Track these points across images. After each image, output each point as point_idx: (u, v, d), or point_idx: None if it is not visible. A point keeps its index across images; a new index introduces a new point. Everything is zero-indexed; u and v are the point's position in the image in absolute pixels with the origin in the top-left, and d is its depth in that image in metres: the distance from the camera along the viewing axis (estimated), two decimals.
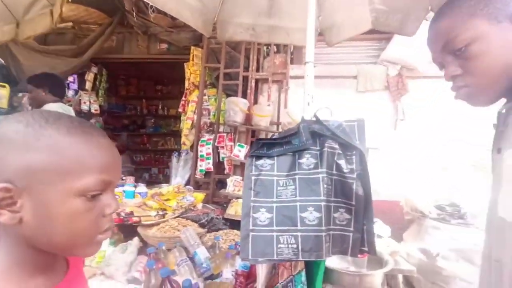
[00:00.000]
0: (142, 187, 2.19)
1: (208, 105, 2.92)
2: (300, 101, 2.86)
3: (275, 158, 0.93)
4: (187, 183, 2.65)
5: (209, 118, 2.89)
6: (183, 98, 3.07)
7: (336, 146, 0.90)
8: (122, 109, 5.16)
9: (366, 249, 0.85)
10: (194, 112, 2.89)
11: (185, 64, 3.21)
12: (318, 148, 0.91)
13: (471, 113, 2.56)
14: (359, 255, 0.87)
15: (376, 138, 2.54)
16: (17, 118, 0.42)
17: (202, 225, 1.81)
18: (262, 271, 0.87)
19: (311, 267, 0.89)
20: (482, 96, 0.56)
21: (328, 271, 1.25)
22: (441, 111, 2.67)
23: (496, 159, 0.57)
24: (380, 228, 2.03)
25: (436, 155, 2.63)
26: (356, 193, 0.85)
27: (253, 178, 0.90)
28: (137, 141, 5.27)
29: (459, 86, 0.58)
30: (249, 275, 1.16)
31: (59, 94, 2.19)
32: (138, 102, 5.39)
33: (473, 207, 2.05)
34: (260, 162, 0.93)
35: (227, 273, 1.16)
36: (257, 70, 2.81)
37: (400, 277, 2.20)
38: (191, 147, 2.92)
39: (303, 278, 0.89)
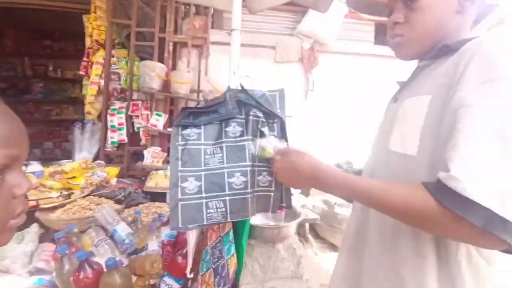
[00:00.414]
0: (35, 165, 1.84)
1: (117, 69, 2.55)
2: (221, 68, 2.83)
3: (202, 127, 0.92)
4: (96, 158, 2.35)
5: (119, 84, 2.55)
6: (85, 59, 2.59)
7: (260, 114, 0.95)
8: None
9: (284, 205, 0.96)
10: (100, 76, 2.50)
11: (84, 16, 2.67)
12: (243, 116, 0.94)
13: (378, 89, 3.03)
14: (278, 211, 0.99)
15: (290, 107, 2.77)
16: None
17: (118, 201, 1.67)
18: (192, 237, 0.89)
19: (237, 227, 0.96)
20: (409, 48, 0.63)
21: (252, 228, 1.37)
22: (350, 86, 3.06)
23: (391, 107, 0.68)
24: None
25: (344, 127, 3.04)
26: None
27: (179, 148, 0.88)
28: (20, 109, 4.25)
29: (396, 34, 0.63)
30: (176, 244, 1.17)
31: None
32: (18, 60, 4.29)
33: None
34: (187, 131, 0.91)
35: (153, 245, 1.13)
36: (175, 32, 2.58)
37: (307, 225, 2.59)
38: (98, 116, 2.55)
39: (231, 238, 0.95)
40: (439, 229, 0.49)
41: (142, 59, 2.54)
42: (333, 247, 2.51)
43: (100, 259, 1.00)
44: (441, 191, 0.45)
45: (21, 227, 1.40)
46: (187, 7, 2.62)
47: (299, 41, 2.87)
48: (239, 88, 1.04)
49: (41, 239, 1.34)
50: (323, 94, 3.02)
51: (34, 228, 1.36)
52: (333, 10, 1.86)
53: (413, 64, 0.69)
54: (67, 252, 0.90)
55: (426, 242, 0.55)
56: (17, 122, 0.39)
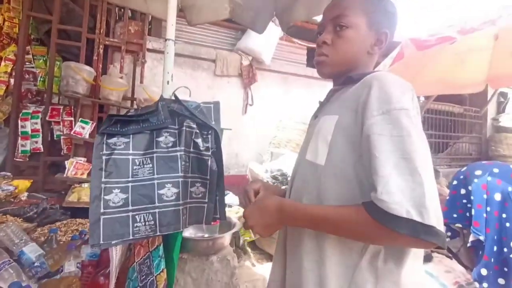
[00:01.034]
0: None
1: (33, 67, 2.25)
2: (158, 77, 2.75)
3: (131, 136, 0.89)
4: (1, 169, 2.00)
5: (35, 85, 2.25)
6: None
7: (194, 125, 0.96)
8: None
9: (218, 216, 0.98)
10: (10, 75, 2.16)
11: None
12: (176, 127, 0.94)
13: (308, 106, 3.29)
14: (212, 223, 1.00)
15: (229, 119, 2.83)
16: None
17: (29, 219, 1.46)
18: (115, 254, 0.84)
19: (168, 240, 0.94)
20: (329, 68, 0.73)
21: (184, 241, 1.33)
22: (285, 102, 3.28)
23: (312, 123, 0.79)
24: (231, 198, 2.32)
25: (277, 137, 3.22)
26: (210, 169, 0.95)
27: (104, 157, 0.83)
28: None
29: (321, 53, 0.73)
30: (99, 263, 1.07)
31: None
32: None
33: None
34: (113, 140, 0.86)
35: (70, 266, 1.02)
36: (107, 34, 2.42)
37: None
38: (6, 120, 2.19)
39: (161, 252, 0.92)
40: (382, 242, 0.58)
41: (65, 59, 2.30)
42: (270, 257, 2.59)
43: (4, 285, 0.86)
44: (376, 211, 0.52)
45: None
46: (122, 10, 2.49)
47: (239, 57, 2.98)
48: (173, 98, 1.04)
49: None
50: (261, 108, 3.17)
51: None
52: (269, 32, 2.01)
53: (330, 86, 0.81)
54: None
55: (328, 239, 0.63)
56: None
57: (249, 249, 2.66)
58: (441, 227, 0.51)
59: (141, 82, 2.49)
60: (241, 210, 2.76)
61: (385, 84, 0.59)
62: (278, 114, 3.16)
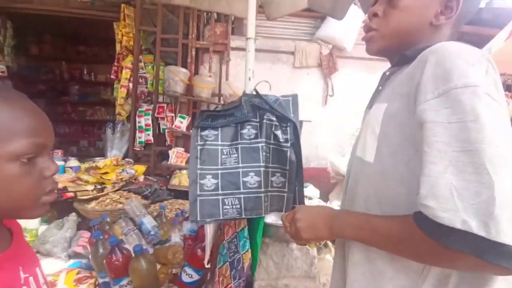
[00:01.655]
0: (73, 161, 2.04)
1: (144, 73, 2.73)
2: (241, 73, 2.91)
3: (219, 129, 1.01)
4: (125, 156, 2.54)
5: (146, 87, 2.73)
6: (115, 64, 2.80)
7: (274, 118, 1.02)
8: (35, 72, 4.41)
9: (297, 205, 1.02)
10: (129, 80, 2.69)
11: (114, 24, 2.88)
12: (258, 120, 1.02)
13: None
14: None
15: (309, 111, 2.80)
16: None
17: (145, 197, 1.82)
18: (209, 231, 0.98)
19: (252, 224, 1.03)
20: (377, 44, 0.62)
21: (266, 227, 1.43)
22: (367, 89, 3.04)
23: (366, 113, 0.69)
24: (311, 191, 2.33)
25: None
26: (290, 160, 0.99)
27: (199, 147, 0.97)
28: (58, 110, 4.63)
29: (370, 27, 0.63)
30: (196, 238, 1.27)
31: None
32: (56, 64, 4.66)
33: None
34: (205, 132, 1.00)
35: (176, 238, 1.24)
36: (198, 38, 2.72)
37: None
38: (128, 117, 2.75)
39: (246, 234, 1.03)
40: (440, 262, 0.45)
41: (167, 64, 2.70)
42: None
43: (129, 247, 1.12)
44: (423, 221, 0.42)
45: (61, 215, 1.58)
46: (209, 14, 2.75)
47: (318, 46, 2.90)
48: (254, 93, 1.12)
49: (78, 227, 1.51)
50: (342, 99, 3.03)
51: (73, 217, 1.53)
52: (350, 16, 1.89)
53: None
54: (101, 237, 1.03)
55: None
56: (42, 115, 0.47)
57: (330, 243, 2.63)
58: None
59: (227, 79, 2.72)
60: (321, 202, 2.74)
61: (445, 56, 0.46)
62: (360, 104, 2.95)
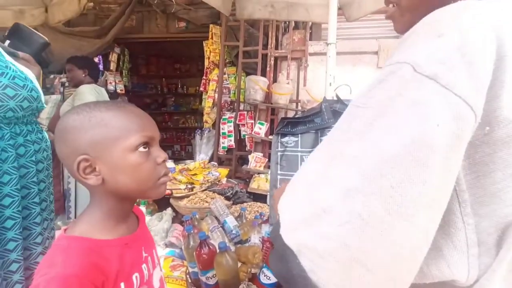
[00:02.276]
0: (170, 163, 2.36)
1: (228, 84, 2.98)
2: (319, 78, 2.87)
3: (299, 135, 1.02)
4: (211, 159, 2.80)
5: (229, 97, 2.97)
6: (204, 77, 3.14)
7: None
8: (143, 88, 5.33)
9: None
10: (215, 91, 2.97)
11: (204, 42, 3.24)
12: None
13: None
14: None
15: None
16: (69, 112, 0.56)
17: (227, 198, 1.96)
18: None
19: None
20: (401, 21, 0.53)
21: None
22: None
23: None
24: None
25: None
26: None
27: (279, 154, 1.00)
28: (159, 119, 5.47)
29: (390, 1, 0.54)
30: None
31: (95, 76, 2.34)
32: (158, 81, 5.52)
33: None
34: (285, 139, 1.02)
35: (255, 239, 1.30)
36: (276, 47, 2.81)
37: None
38: (213, 125, 3.03)
39: None
40: None
41: (247, 74, 2.87)
42: None
43: (214, 242, 1.23)
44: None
45: (160, 209, 1.85)
46: (287, 23, 2.81)
47: None
48: (335, 98, 1.09)
49: (173, 220, 1.74)
50: None
51: (169, 211, 1.77)
52: None
53: None
54: (192, 231, 1.16)
55: None
56: (147, 116, 0.60)
57: None
58: None
59: (304, 85, 2.72)
60: None
61: (414, 27, 0.34)
62: None
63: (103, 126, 0.53)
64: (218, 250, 1.06)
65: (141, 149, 0.55)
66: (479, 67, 0.27)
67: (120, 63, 3.86)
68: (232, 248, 1.30)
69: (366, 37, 2.80)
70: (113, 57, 3.65)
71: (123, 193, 0.57)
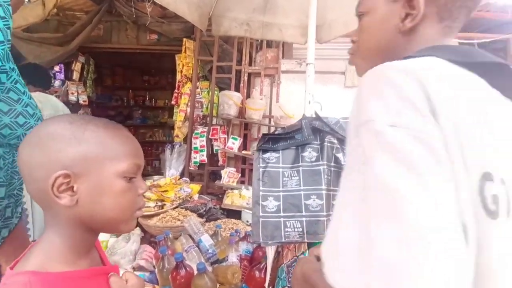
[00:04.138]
0: None
1: (200, 98, 2.95)
2: (291, 95, 2.96)
3: (280, 151, 1.03)
4: (181, 175, 2.70)
5: (201, 111, 2.93)
6: (176, 91, 3.08)
7: (335, 140, 1.00)
8: (108, 100, 5.06)
9: None
10: (187, 105, 2.92)
11: (176, 56, 3.20)
12: (318, 142, 1.01)
13: None
14: None
15: None
16: (59, 118, 0.50)
17: (200, 215, 1.89)
18: (270, 253, 0.97)
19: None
20: (358, 68, 0.59)
21: None
22: None
23: None
24: None
25: None
26: None
27: (261, 170, 0.99)
28: None
29: (349, 53, 0.61)
30: (252, 259, 1.27)
31: (41, 85, 2.11)
32: (124, 92, 5.29)
33: None
34: (267, 155, 1.02)
35: (233, 257, 1.25)
36: (250, 64, 2.86)
37: None
38: (184, 139, 2.96)
39: None
40: None
41: (221, 89, 2.88)
42: None
43: (189, 263, 1.17)
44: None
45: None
46: (259, 41, 2.90)
47: None
48: (314, 116, 1.12)
49: (141, 241, 1.62)
50: None
51: (137, 231, 1.65)
52: None
53: None
54: (167, 253, 1.08)
55: None
56: (136, 141, 0.56)
57: None
58: None
59: (277, 101, 2.78)
60: None
61: (360, 87, 0.40)
62: None
63: (99, 143, 0.48)
64: (196, 272, 1.00)
65: (129, 176, 0.51)
66: (418, 103, 0.34)
67: (84, 72, 3.65)
68: (209, 268, 1.24)
69: (335, 58, 2.98)
70: (77, 67, 3.44)
71: (95, 220, 0.50)
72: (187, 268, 1.02)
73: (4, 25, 0.61)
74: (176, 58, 3.21)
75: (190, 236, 1.45)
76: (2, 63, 0.62)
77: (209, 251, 1.31)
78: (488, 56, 0.43)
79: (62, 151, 0.46)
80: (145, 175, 2.98)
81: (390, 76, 0.37)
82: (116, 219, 0.51)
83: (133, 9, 3.13)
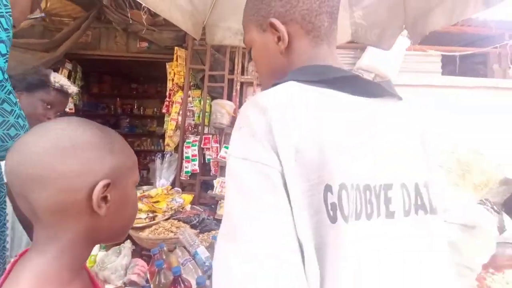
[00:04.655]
0: None
1: (192, 107, 2.92)
2: None
3: None
4: (172, 185, 2.63)
5: (193, 120, 2.90)
6: (167, 99, 3.03)
7: None
8: (94, 108, 4.93)
9: None
10: (178, 114, 2.88)
11: (167, 64, 3.17)
12: None
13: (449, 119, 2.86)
14: None
15: None
16: (81, 123, 0.46)
17: (193, 226, 1.83)
18: None
19: None
20: (264, 88, 0.63)
21: None
22: None
23: None
24: None
25: None
26: None
27: None
28: None
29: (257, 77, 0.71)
30: None
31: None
32: (111, 100, 5.18)
33: None
34: None
35: None
36: (242, 73, 2.87)
37: None
38: (175, 148, 2.90)
39: None
40: None
41: (213, 98, 2.86)
42: None
43: (186, 277, 1.12)
44: None
45: (119, 242, 1.64)
46: None
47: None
48: None
49: (132, 254, 1.54)
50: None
51: (128, 244, 1.58)
52: (395, 44, 1.89)
53: None
54: (163, 266, 1.04)
55: None
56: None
57: None
58: None
59: None
60: None
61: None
62: None
63: (122, 153, 0.49)
64: (195, 287, 0.96)
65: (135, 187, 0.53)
66: (263, 140, 0.41)
67: (71, 80, 3.54)
68: (208, 282, 1.19)
69: None
70: (63, 73, 3.34)
71: (112, 229, 0.50)
72: (185, 283, 0.98)
73: (7, 36, 0.61)
74: (167, 66, 3.18)
75: (186, 248, 1.40)
76: (3, 76, 0.60)
77: (206, 263, 1.26)
78: (342, 71, 0.50)
79: (102, 159, 0.45)
80: None
81: (248, 115, 0.44)
82: (128, 228, 0.53)
83: (125, 16, 3.10)
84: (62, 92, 1.43)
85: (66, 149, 0.43)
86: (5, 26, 0.61)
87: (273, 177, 0.40)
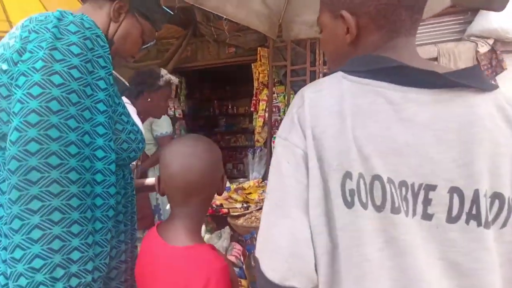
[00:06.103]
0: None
1: (277, 103, 3.05)
2: None
3: None
4: (263, 178, 2.84)
5: (279, 115, 3.03)
6: (254, 98, 3.27)
7: None
8: (198, 111, 5.74)
9: None
10: (265, 110, 3.06)
11: (252, 64, 3.39)
12: None
13: None
14: None
15: None
16: (209, 144, 0.83)
17: None
18: None
19: None
20: (331, 71, 0.63)
21: None
22: None
23: None
24: None
25: None
26: None
27: None
28: (212, 139, 5.70)
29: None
30: None
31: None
32: (210, 103, 5.90)
33: None
34: None
35: None
36: (324, 63, 2.80)
37: None
38: (264, 143, 3.10)
39: None
40: None
41: (295, 92, 2.90)
42: None
43: None
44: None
45: (219, 227, 1.93)
46: None
47: (472, 44, 2.37)
48: None
49: (231, 239, 1.79)
50: None
51: (227, 229, 1.84)
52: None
53: None
54: (253, 251, 1.18)
55: None
56: None
57: None
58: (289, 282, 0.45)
59: None
60: None
61: None
62: None
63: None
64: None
65: None
66: (297, 126, 0.49)
67: (178, 90, 4.25)
68: None
69: (423, 43, 2.63)
70: (172, 86, 4.03)
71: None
72: None
73: (106, 73, 0.70)
74: (252, 66, 3.41)
75: None
76: (110, 103, 0.72)
77: None
78: (392, 61, 0.49)
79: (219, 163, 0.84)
80: (232, 177, 3.26)
81: (293, 103, 0.52)
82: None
83: (212, 28, 3.49)
84: (170, 84, 1.89)
85: (215, 165, 0.82)
86: (103, 64, 0.70)
87: (298, 156, 0.48)
